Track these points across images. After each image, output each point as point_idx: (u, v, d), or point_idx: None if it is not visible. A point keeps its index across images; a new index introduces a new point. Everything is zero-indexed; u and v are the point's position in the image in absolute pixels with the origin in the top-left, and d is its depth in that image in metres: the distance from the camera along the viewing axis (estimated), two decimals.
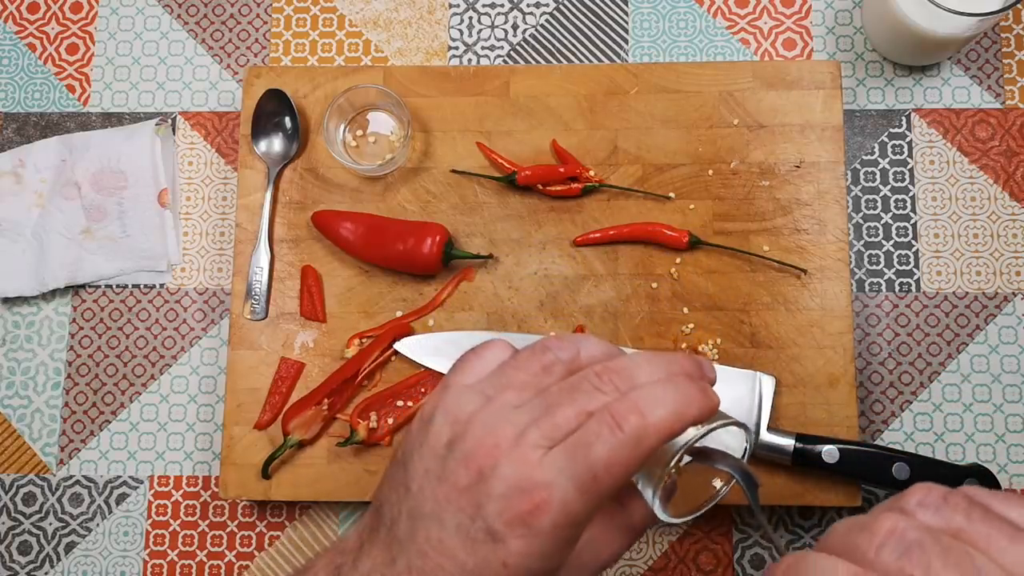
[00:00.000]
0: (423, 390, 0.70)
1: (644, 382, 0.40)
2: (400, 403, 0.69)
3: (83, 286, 0.77)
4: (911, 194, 0.75)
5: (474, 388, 0.42)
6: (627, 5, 0.79)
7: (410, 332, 0.71)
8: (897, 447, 0.71)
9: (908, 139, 0.76)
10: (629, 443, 0.38)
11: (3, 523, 0.74)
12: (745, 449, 0.42)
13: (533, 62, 0.78)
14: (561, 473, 0.38)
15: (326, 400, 0.69)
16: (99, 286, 0.77)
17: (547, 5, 0.79)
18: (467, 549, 0.39)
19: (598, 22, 0.79)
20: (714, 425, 0.40)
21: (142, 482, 0.74)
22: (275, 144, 0.75)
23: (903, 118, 0.76)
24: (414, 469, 0.42)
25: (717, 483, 0.44)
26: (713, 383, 0.42)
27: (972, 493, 0.35)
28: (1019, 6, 0.75)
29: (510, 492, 0.38)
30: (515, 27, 0.79)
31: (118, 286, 0.77)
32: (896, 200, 0.75)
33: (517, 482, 0.38)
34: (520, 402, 0.40)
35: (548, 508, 0.38)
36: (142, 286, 0.77)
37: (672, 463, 0.40)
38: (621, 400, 0.39)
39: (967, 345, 0.73)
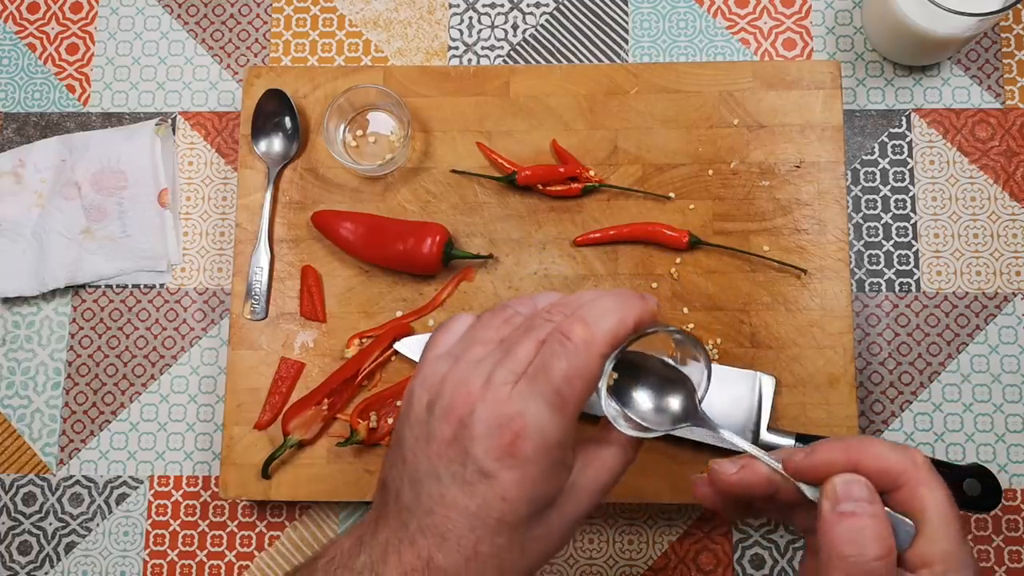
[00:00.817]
0: None
1: (588, 301, 0.43)
2: (400, 403, 0.69)
3: (83, 286, 0.77)
4: (911, 194, 0.75)
5: (444, 355, 0.45)
6: (627, 5, 0.79)
7: (410, 332, 0.71)
8: None
9: (908, 139, 0.76)
10: (580, 351, 0.41)
11: (3, 523, 0.74)
12: (705, 380, 0.46)
13: (533, 62, 0.79)
14: (530, 399, 0.41)
15: (326, 400, 0.69)
16: (99, 286, 0.77)
17: (547, 5, 0.79)
18: (466, 494, 0.42)
19: (598, 22, 0.79)
20: (653, 329, 0.44)
21: (142, 482, 0.74)
22: (275, 144, 0.75)
23: (903, 118, 0.76)
24: (406, 441, 0.44)
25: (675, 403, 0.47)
26: (652, 310, 0.45)
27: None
28: (1019, 6, 0.75)
29: (490, 430, 0.41)
30: (515, 27, 0.79)
31: (118, 286, 0.77)
32: (896, 200, 0.75)
33: (494, 419, 0.41)
34: (486, 354, 0.44)
35: (526, 434, 0.41)
36: (142, 286, 0.77)
37: (609, 365, 0.43)
38: (567, 318, 0.42)
39: (967, 345, 0.73)
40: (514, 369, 0.42)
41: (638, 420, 0.45)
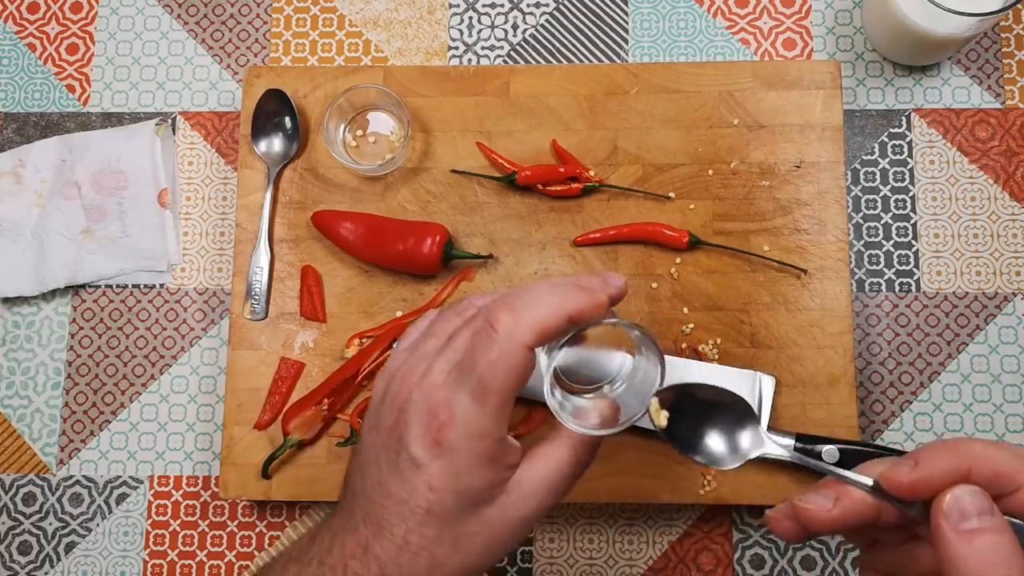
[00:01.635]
0: None
1: (523, 290, 0.42)
2: None
3: (83, 286, 0.77)
4: (911, 194, 0.75)
5: (407, 348, 0.46)
6: (627, 5, 0.79)
7: None
8: (897, 447, 0.71)
9: (908, 139, 0.76)
10: (503, 340, 0.40)
11: (3, 523, 0.74)
12: (659, 378, 0.43)
13: (533, 62, 0.78)
14: (457, 388, 0.41)
15: (326, 400, 0.69)
16: (99, 286, 0.77)
17: (547, 5, 0.79)
18: (398, 483, 0.42)
19: (598, 22, 0.79)
20: (605, 322, 0.42)
21: (142, 482, 0.74)
22: (275, 144, 0.75)
23: (903, 118, 0.76)
24: (363, 431, 0.45)
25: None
26: (616, 295, 0.43)
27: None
28: (1019, 6, 0.75)
29: (421, 417, 0.41)
30: (515, 27, 0.79)
31: (118, 286, 0.77)
32: (896, 200, 0.75)
33: (426, 407, 0.41)
34: (437, 346, 0.44)
35: (452, 423, 0.40)
36: (142, 286, 0.77)
37: (552, 362, 0.41)
38: (495, 305, 0.41)
39: (967, 345, 0.73)
40: (450, 359, 0.42)
41: (602, 430, 0.43)
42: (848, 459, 0.64)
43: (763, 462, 0.67)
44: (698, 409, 0.45)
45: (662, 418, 0.44)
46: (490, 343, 0.40)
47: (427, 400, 0.41)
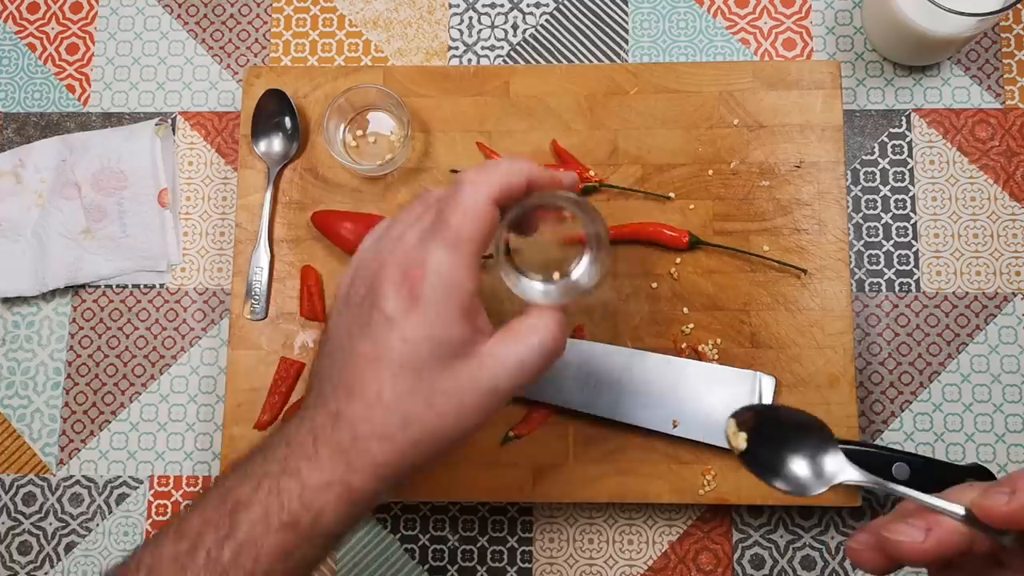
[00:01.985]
0: None
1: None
2: None
3: (83, 286, 0.77)
4: (911, 194, 0.75)
5: (374, 238, 0.49)
6: (627, 5, 0.79)
7: None
8: (897, 447, 0.71)
9: (908, 139, 0.76)
10: (470, 193, 0.44)
11: (3, 523, 0.74)
12: (604, 255, 0.46)
13: (533, 62, 0.78)
14: (430, 242, 0.44)
15: None
16: (99, 286, 0.77)
17: (547, 5, 0.79)
18: (370, 343, 0.44)
19: (598, 22, 0.79)
20: (556, 194, 0.46)
21: (142, 482, 0.74)
22: (275, 144, 0.75)
23: (903, 118, 0.76)
24: (329, 322, 0.48)
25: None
26: (569, 182, 0.48)
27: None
28: (1019, 6, 0.75)
29: (395, 278, 0.44)
30: (515, 27, 0.79)
31: (118, 286, 0.77)
32: (896, 200, 0.75)
33: (399, 269, 0.44)
34: (405, 228, 0.46)
35: (425, 275, 0.43)
36: (142, 286, 0.77)
37: (503, 228, 0.45)
38: (463, 172, 0.46)
39: (967, 345, 0.73)
40: (422, 226, 0.45)
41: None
42: (848, 459, 0.64)
43: None
44: (778, 432, 0.43)
45: (740, 440, 0.43)
46: (459, 197, 0.44)
47: (400, 263, 0.44)
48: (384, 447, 0.43)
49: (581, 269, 0.47)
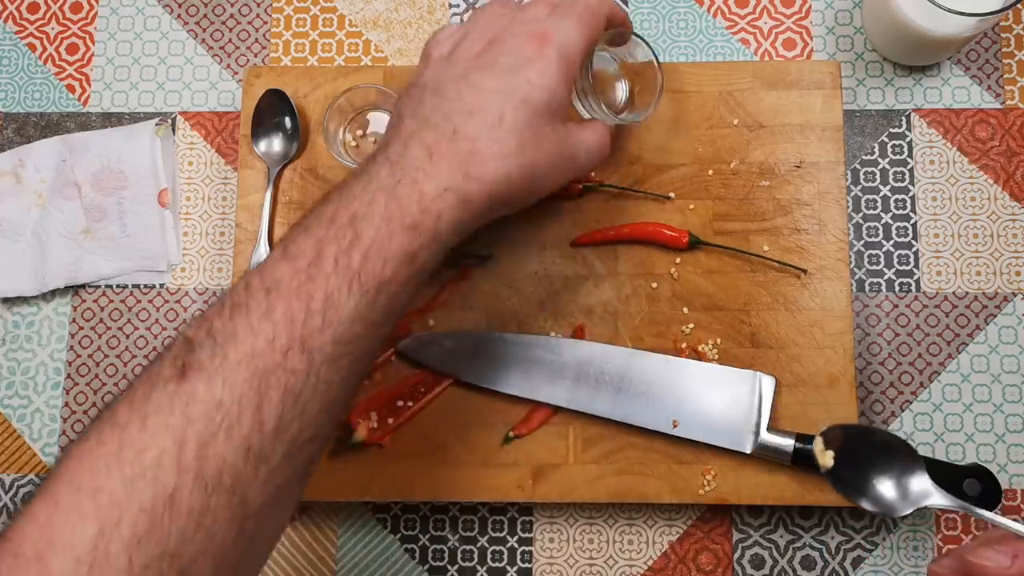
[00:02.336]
0: (423, 390, 0.70)
1: None
2: (400, 403, 0.69)
3: (83, 286, 0.77)
4: (911, 194, 0.75)
5: (448, 36, 0.56)
6: (627, 5, 0.79)
7: (410, 332, 0.71)
8: None
9: (908, 139, 0.76)
10: (591, 4, 0.54)
11: (3, 523, 0.74)
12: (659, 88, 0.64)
13: None
14: (561, 17, 0.52)
15: None
16: (99, 286, 0.77)
17: None
18: (496, 79, 0.50)
19: None
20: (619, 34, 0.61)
21: None
22: (275, 144, 0.75)
23: (903, 118, 0.76)
24: (421, 79, 0.54)
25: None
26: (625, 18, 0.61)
27: None
28: (1019, 6, 0.75)
29: (525, 34, 0.52)
30: None
31: (118, 286, 0.77)
32: (896, 200, 0.75)
33: (526, 30, 0.52)
34: (496, 17, 0.54)
35: (552, 42, 0.51)
36: (142, 286, 0.77)
37: (591, 59, 0.58)
38: None
39: (967, 345, 0.73)
40: (537, 10, 0.53)
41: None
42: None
43: (762, 460, 0.67)
44: (865, 452, 0.44)
45: (828, 458, 0.44)
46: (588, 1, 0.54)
47: (528, 26, 0.52)
48: (499, 165, 0.49)
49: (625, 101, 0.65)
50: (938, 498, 0.42)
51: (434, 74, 0.53)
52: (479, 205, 0.49)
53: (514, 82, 0.50)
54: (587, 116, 0.61)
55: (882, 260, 0.74)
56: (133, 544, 0.38)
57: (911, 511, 0.43)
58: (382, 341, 0.48)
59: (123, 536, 0.38)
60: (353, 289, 0.44)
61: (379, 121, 0.76)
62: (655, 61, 0.63)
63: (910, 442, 0.45)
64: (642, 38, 0.63)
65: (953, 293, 0.73)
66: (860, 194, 0.75)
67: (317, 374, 0.43)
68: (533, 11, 0.53)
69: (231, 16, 0.81)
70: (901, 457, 0.44)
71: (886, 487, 0.44)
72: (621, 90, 0.67)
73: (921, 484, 0.43)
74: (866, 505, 0.43)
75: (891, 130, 0.76)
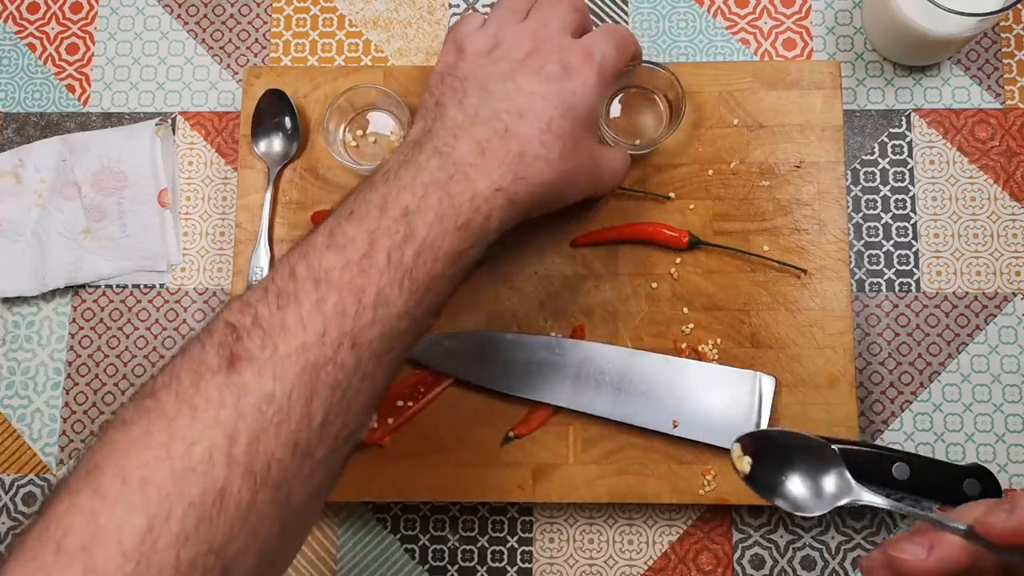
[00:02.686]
0: (423, 390, 0.70)
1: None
2: (400, 403, 0.69)
3: (83, 286, 0.77)
4: (911, 194, 0.75)
5: (481, 20, 0.58)
6: (627, 5, 0.79)
7: None
8: (897, 447, 0.71)
9: (908, 139, 0.76)
10: (628, 37, 0.60)
11: (3, 523, 0.74)
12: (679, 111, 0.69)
13: None
14: (599, 40, 0.56)
15: None
16: (99, 286, 0.77)
17: None
18: (544, 84, 0.52)
19: (598, 22, 0.79)
20: (642, 63, 0.67)
21: None
22: (275, 144, 0.75)
23: (903, 118, 0.76)
24: (461, 70, 0.54)
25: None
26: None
27: None
28: (1019, 6, 0.75)
29: (565, 48, 0.54)
30: None
31: (118, 286, 0.77)
32: (896, 200, 0.75)
33: (568, 46, 0.55)
34: (555, 17, 0.58)
35: (593, 57, 0.55)
36: (142, 286, 0.77)
37: (624, 79, 0.69)
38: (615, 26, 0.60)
39: (967, 345, 0.73)
40: (565, 23, 0.57)
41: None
42: (848, 459, 0.64)
43: None
44: (781, 455, 0.45)
45: (745, 464, 0.44)
46: (624, 31, 0.59)
47: (569, 44, 0.55)
48: (545, 169, 0.51)
49: (651, 131, 0.72)
50: (857, 494, 0.43)
51: (474, 68, 0.54)
52: (522, 206, 0.51)
53: (561, 90, 0.52)
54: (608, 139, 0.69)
55: (882, 260, 0.74)
56: (181, 540, 0.37)
57: (828, 509, 0.43)
58: (420, 337, 0.48)
59: (172, 531, 0.37)
60: (404, 286, 0.44)
61: (379, 121, 0.76)
62: (679, 89, 0.68)
63: (834, 445, 0.46)
64: (665, 67, 0.69)
65: (953, 293, 0.73)
66: (860, 194, 0.75)
67: (364, 370, 0.43)
68: (553, 24, 0.56)
69: (231, 16, 0.81)
70: (816, 458, 0.45)
71: (800, 487, 0.45)
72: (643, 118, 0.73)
73: (837, 483, 0.44)
74: (782, 505, 0.44)
75: (891, 130, 0.76)
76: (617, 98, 0.73)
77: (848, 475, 0.44)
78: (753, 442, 0.45)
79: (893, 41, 0.74)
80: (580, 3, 0.59)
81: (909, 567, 0.37)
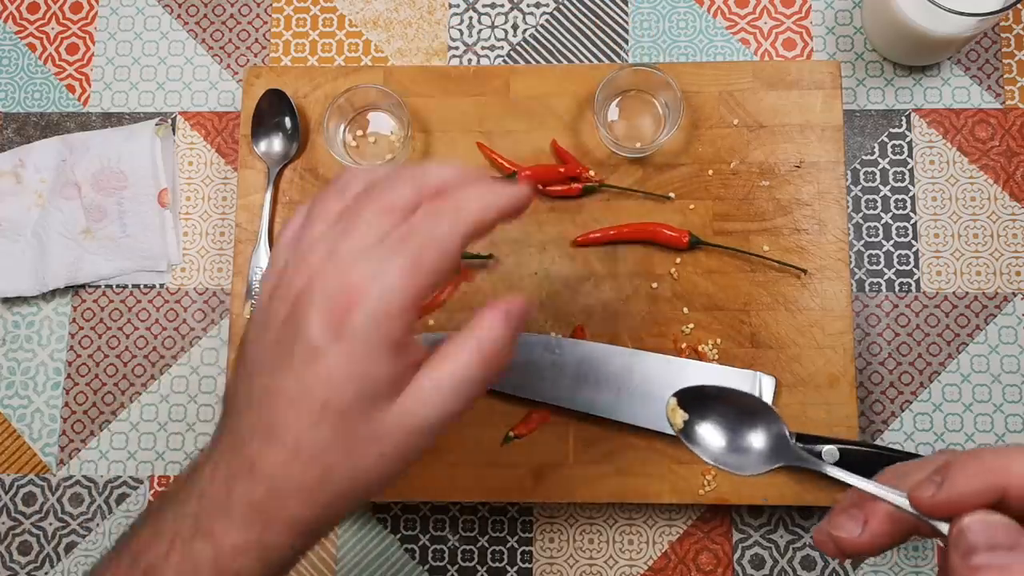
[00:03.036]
0: None
1: (452, 180, 0.40)
2: None
3: (83, 286, 0.77)
4: (911, 194, 0.75)
5: (288, 240, 0.42)
6: (627, 5, 0.79)
7: None
8: (897, 447, 0.71)
9: (908, 139, 0.76)
10: (453, 221, 0.38)
11: (3, 523, 0.74)
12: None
13: (533, 62, 0.78)
14: (384, 260, 0.37)
15: None
16: (99, 286, 0.77)
17: (547, 5, 0.79)
18: (293, 378, 0.38)
19: (598, 22, 0.79)
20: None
21: (142, 482, 0.74)
22: (275, 144, 0.75)
23: (903, 118, 0.76)
24: (246, 340, 0.41)
25: None
26: (523, 199, 0.42)
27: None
28: (1019, 6, 0.75)
29: (325, 300, 0.37)
30: (515, 27, 0.79)
31: (118, 286, 0.77)
32: (896, 200, 0.75)
33: (331, 287, 0.38)
34: (325, 229, 0.40)
35: (363, 301, 0.37)
36: (142, 286, 0.77)
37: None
38: (436, 194, 0.39)
39: (967, 345, 0.73)
40: (362, 237, 0.38)
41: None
42: (848, 459, 0.64)
43: None
44: (719, 413, 0.43)
45: (679, 418, 0.43)
46: (440, 217, 0.38)
47: (334, 280, 0.38)
48: (302, 502, 0.39)
49: None
50: (797, 457, 0.42)
51: (248, 347, 0.41)
52: (284, 551, 0.40)
53: (312, 384, 0.38)
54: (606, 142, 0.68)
55: (882, 260, 0.74)
56: None
57: (763, 471, 0.42)
58: None
59: None
60: None
61: (379, 121, 0.76)
62: (675, 90, 0.68)
63: (773, 406, 0.44)
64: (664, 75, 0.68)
65: (953, 293, 0.73)
66: (860, 194, 0.75)
67: None
68: (345, 245, 0.38)
69: (231, 16, 0.81)
70: (758, 417, 0.43)
71: (737, 445, 0.43)
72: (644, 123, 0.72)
73: (779, 443, 0.42)
74: (716, 464, 0.43)
75: (891, 130, 0.76)
76: (615, 102, 0.73)
77: (788, 437, 0.42)
78: (691, 397, 0.43)
79: (893, 41, 0.74)
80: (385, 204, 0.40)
81: (845, 543, 0.37)
